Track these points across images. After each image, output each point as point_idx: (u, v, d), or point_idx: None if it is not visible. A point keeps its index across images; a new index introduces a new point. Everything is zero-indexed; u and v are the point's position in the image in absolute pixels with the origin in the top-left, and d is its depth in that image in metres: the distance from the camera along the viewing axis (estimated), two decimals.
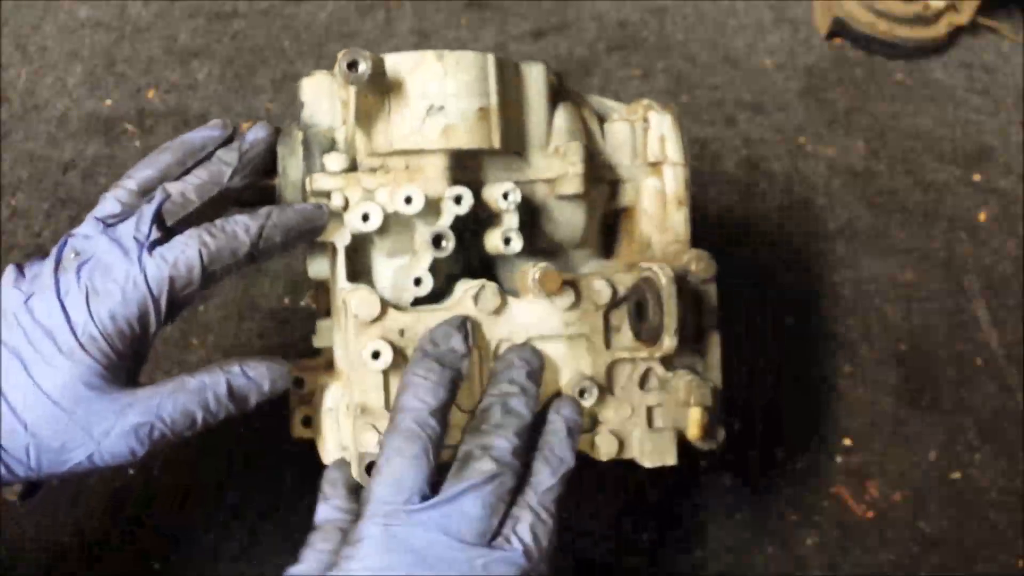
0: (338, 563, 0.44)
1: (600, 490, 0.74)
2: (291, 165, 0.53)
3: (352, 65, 0.47)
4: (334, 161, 0.52)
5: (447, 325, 0.50)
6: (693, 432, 0.54)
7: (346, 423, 0.54)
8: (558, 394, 0.53)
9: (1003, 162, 0.98)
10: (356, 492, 0.51)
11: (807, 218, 0.92)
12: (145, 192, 0.51)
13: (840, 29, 1.03)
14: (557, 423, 0.51)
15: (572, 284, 0.52)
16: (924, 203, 0.94)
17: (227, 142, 0.54)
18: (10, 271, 0.49)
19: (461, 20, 0.99)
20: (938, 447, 0.82)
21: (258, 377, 0.50)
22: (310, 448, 0.58)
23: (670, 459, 0.55)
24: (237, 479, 0.71)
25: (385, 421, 0.49)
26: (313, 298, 0.78)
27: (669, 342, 0.50)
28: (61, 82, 0.88)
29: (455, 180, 0.52)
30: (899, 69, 1.03)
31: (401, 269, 0.54)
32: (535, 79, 0.55)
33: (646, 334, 0.52)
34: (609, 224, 0.61)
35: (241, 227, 0.49)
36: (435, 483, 0.46)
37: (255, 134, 0.54)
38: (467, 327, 0.50)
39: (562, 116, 0.56)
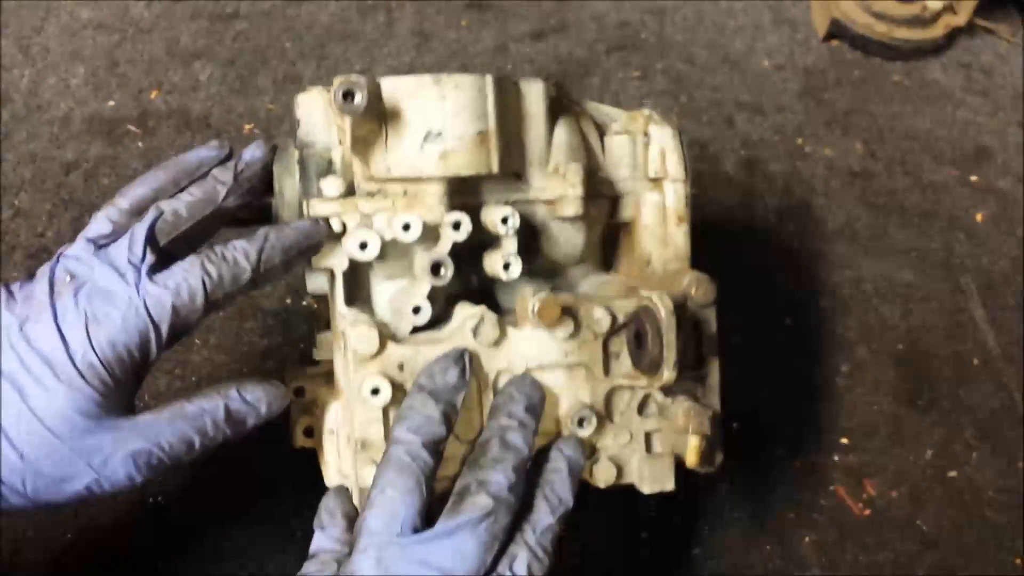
0: None
1: (598, 489, 0.75)
2: (287, 185, 0.53)
3: (348, 95, 0.46)
4: (331, 186, 0.52)
5: (445, 359, 0.50)
6: (691, 460, 0.54)
7: (347, 452, 0.54)
8: (558, 429, 0.53)
9: (1001, 163, 0.99)
10: (353, 522, 0.51)
11: (806, 218, 0.92)
12: (137, 211, 0.50)
13: (838, 30, 1.03)
14: (559, 462, 0.51)
15: (571, 312, 0.52)
16: (922, 203, 0.95)
17: (224, 162, 0.53)
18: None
19: (462, 21, 0.99)
20: (935, 446, 0.83)
21: (255, 400, 0.50)
22: (312, 451, 0.59)
23: (668, 484, 0.55)
24: (239, 481, 0.72)
25: None
26: (315, 300, 0.78)
27: (668, 374, 0.50)
28: (64, 83, 0.89)
29: (453, 204, 0.52)
30: (897, 70, 1.03)
31: (400, 292, 0.54)
32: (534, 97, 0.54)
33: (645, 365, 0.51)
34: (609, 238, 0.61)
35: (241, 253, 0.48)
36: (429, 516, 0.45)
37: (251, 153, 0.53)
38: (464, 360, 0.50)
39: (562, 132, 0.55)
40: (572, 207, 0.54)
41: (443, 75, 0.50)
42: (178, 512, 0.70)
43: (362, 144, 0.51)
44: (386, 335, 0.51)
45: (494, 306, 0.54)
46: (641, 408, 0.55)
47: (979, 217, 0.95)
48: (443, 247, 0.51)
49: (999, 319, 0.89)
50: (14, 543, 0.68)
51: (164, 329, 0.47)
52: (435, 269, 0.51)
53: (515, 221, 0.52)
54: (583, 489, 0.52)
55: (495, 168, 0.51)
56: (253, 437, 0.70)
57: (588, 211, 0.55)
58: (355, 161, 0.52)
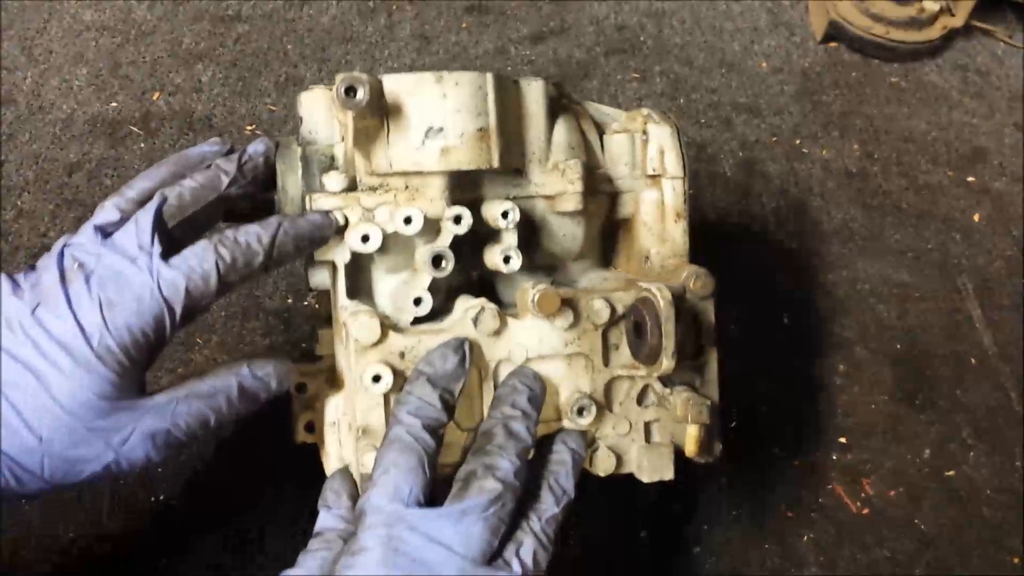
0: (337, 572, 0.43)
1: (598, 487, 0.75)
2: (290, 181, 0.53)
3: (350, 91, 0.47)
4: (334, 181, 0.52)
5: (445, 347, 0.50)
6: (690, 449, 0.54)
7: (348, 440, 0.55)
8: (558, 418, 0.54)
9: (997, 164, 0.99)
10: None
11: (803, 219, 0.93)
12: (143, 202, 0.50)
13: (835, 32, 1.04)
14: (564, 454, 0.51)
15: (570, 303, 0.53)
16: (918, 204, 0.95)
17: (226, 155, 0.54)
18: (4, 281, 0.48)
19: (462, 24, 1.00)
20: (933, 445, 0.83)
21: (266, 376, 0.51)
22: (314, 448, 0.59)
23: (668, 474, 0.55)
24: (241, 480, 0.72)
25: None
26: (316, 299, 0.79)
27: (667, 363, 0.50)
28: (67, 84, 0.89)
29: (454, 199, 0.52)
30: (894, 72, 1.04)
31: (401, 285, 0.54)
32: (534, 95, 0.55)
33: (644, 355, 0.52)
34: (608, 234, 0.62)
35: (254, 237, 0.49)
36: (431, 500, 0.46)
37: (255, 147, 0.54)
38: (465, 349, 0.51)
39: (561, 130, 0.56)
40: (572, 203, 0.54)
41: (444, 72, 0.51)
42: (179, 511, 0.71)
43: (364, 139, 0.51)
44: (387, 325, 0.51)
45: (495, 301, 0.54)
46: (640, 398, 0.55)
47: (976, 217, 0.95)
48: (444, 240, 0.52)
49: (995, 319, 0.89)
50: (14, 543, 0.68)
51: (178, 311, 0.47)
52: (436, 261, 0.51)
53: (515, 215, 0.53)
54: (583, 478, 0.52)
55: (495, 163, 0.52)
56: (253, 437, 0.71)
57: (587, 207, 0.55)
58: (357, 156, 0.53)
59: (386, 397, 0.51)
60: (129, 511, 0.70)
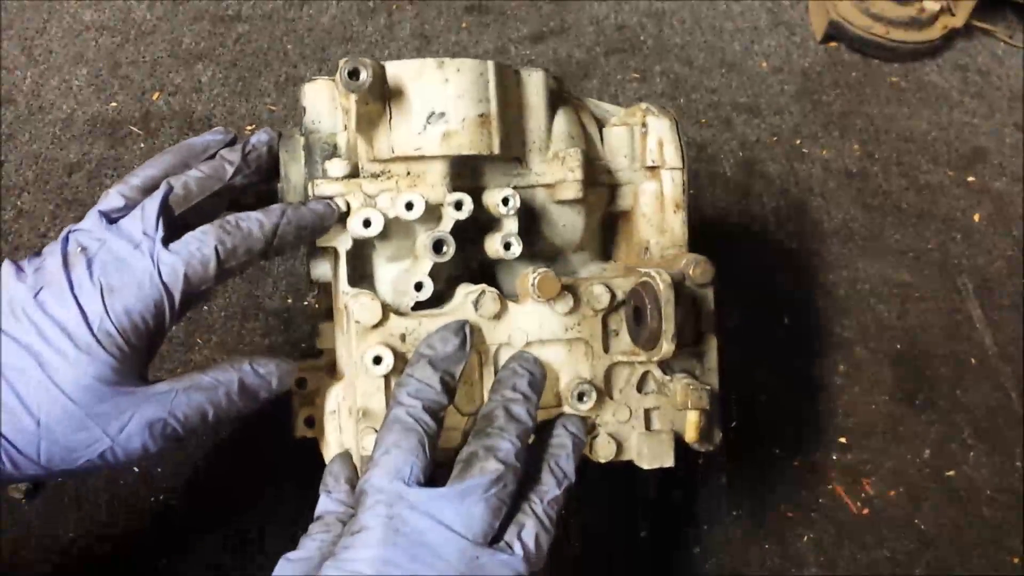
0: (337, 552, 0.43)
1: (598, 488, 0.75)
2: (293, 169, 0.54)
3: (353, 74, 0.48)
4: (336, 167, 0.53)
5: (446, 330, 0.51)
6: (690, 435, 0.55)
7: (348, 425, 0.55)
8: (558, 403, 0.54)
9: (997, 163, 0.99)
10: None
11: (803, 219, 0.93)
12: (148, 189, 0.51)
13: (836, 32, 1.04)
14: (564, 437, 0.51)
15: (571, 289, 0.53)
16: (919, 204, 0.95)
17: (230, 145, 0.55)
18: (8, 267, 0.48)
19: (462, 24, 1.00)
20: (933, 445, 0.83)
21: (267, 374, 0.51)
22: (313, 446, 0.59)
23: (668, 461, 0.55)
24: (241, 480, 0.72)
25: None
26: (316, 300, 0.79)
27: (667, 347, 0.51)
28: (66, 84, 0.89)
29: (455, 186, 0.53)
30: (894, 72, 1.04)
31: (402, 273, 0.55)
32: (535, 85, 0.56)
33: (644, 339, 0.52)
34: (608, 226, 0.62)
35: (255, 224, 0.49)
36: (432, 482, 0.46)
37: (258, 137, 0.55)
38: (465, 331, 0.51)
39: (561, 121, 0.57)
40: (572, 191, 0.55)
41: (446, 59, 0.51)
42: (178, 511, 0.71)
43: (367, 125, 0.52)
44: (388, 309, 0.52)
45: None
46: (640, 385, 0.55)
47: (976, 217, 0.95)
48: (445, 225, 0.52)
49: (996, 319, 0.89)
50: (14, 542, 0.68)
51: (177, 296, 0.47)
52: (437, 247, 0.52)
53: (516, 201, 0.53)
54: (583, 468, 0.52)
55: (496, 149, 0.52)
56: (253, 436, 0.71)
57: (587, 197, 0.56)
58: (359, 143, 0.53)
59: (387, 380, 0.51)
60: (129, 511, 0.70)
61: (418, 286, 0.53)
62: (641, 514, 0.76)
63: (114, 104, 0.89)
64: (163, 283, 0.47)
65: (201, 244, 0.48)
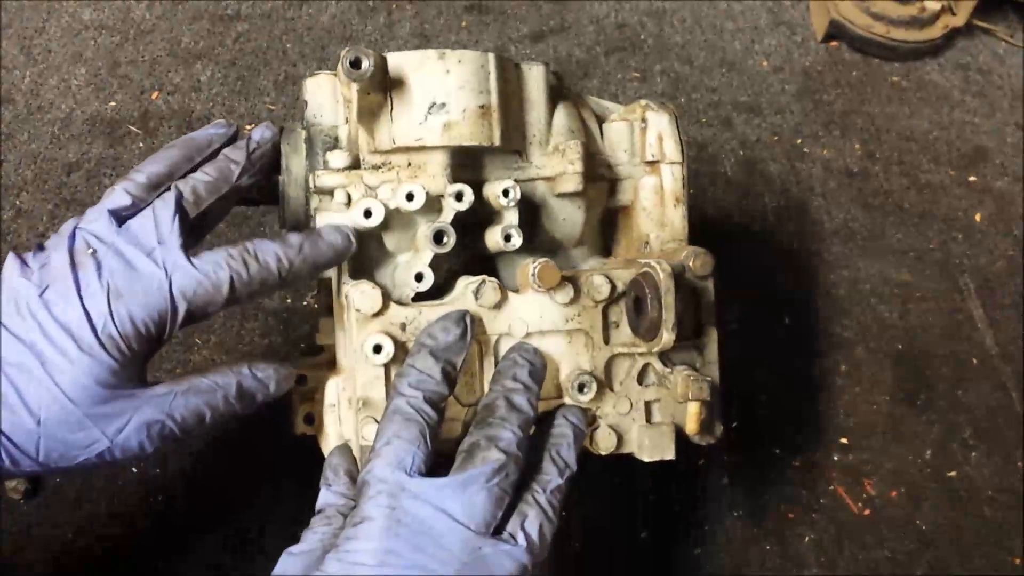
0: (339, 544, 0.43)
1: (599, 483, 0.75)
2: (295, 162, 0.54)
3: (355, 63, 0.48)
4: (337, 158, 0.53)
5: (446, 319, 0.51)
6: (691, 427, 0.54)
7: (347, 417, 0.55)
8: (559, 394, 0.54)
9: (998, 163, 0.99)
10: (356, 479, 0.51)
11: (803, 219, 0.93)
12: (154, 187, 0.51)
13: (837, 31, 1.04)
14: (565, 428, 0.51)
15: (571, 280, 0.53)
16: (920, 204, 0.95)
17: (230, 141, 0.55)
18: (13, 260, 0.48)
19: (462, 23, 1.00)
20: (934, 446, 0.83)
21: (266, 378, 0.51)
22: (312, 444, 0.59)
23: (668, 453, 0.55)
24: (240, 479, 0.72)
25: None
26: (315, 299, 0.79)
27: (667, 337, 0.51)
28: (65, 84, 0.89)
29: (456, 178, 0.53)
30: (895, 71, 1.04)
31: (403, 265, 0.55)
32: (535, 79, 0.56)
33: (644, 329, 0.52)
34: (608, 222, 0.62)
35: (273, 257, 0.49)
36: (433, 472, 0.45)
37: (261, 133, 0.55)
38: (466, 321, 0.51)
39: (562, 115, 0.57)
40: (572, 183, 0.55)
41: (447, 50, 0.51)
42: (179, 511, 0.71)
43: (368, 115, 0.52)
44: (389, 298, 0.52)
45: None
46: (641, 378, 0.55)
47: (977, 217, 0.95)
48: (446, 216, 0.52)
49: (997, 319, 0.89)
50: (15, 542, 0.68)
51: (182, 312, 0.47)
52: (438, 237, 0.52)
53: (516, 193, 0.53)
54: (584, 458, 0.52)
55: (497, 140, 0.52)
56: (252, 437, 0.71)
57: (587, 191, 0.56)
58: (361, 134, 0.53)
59: (387, 369, 0.51)
60: (129, 511, 0.70)
61: (418, 277, 0.53)
62: (641, 514, 0.76)
63: (113, 103, 0.89)
64: (171, 295, 0.47)
65: (217, 267, 0.48)
